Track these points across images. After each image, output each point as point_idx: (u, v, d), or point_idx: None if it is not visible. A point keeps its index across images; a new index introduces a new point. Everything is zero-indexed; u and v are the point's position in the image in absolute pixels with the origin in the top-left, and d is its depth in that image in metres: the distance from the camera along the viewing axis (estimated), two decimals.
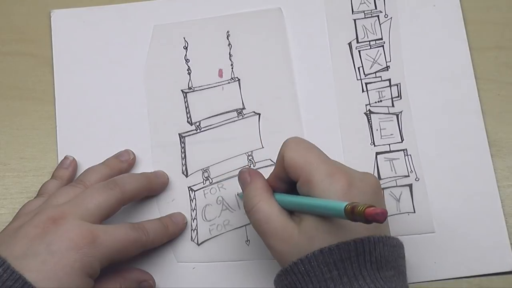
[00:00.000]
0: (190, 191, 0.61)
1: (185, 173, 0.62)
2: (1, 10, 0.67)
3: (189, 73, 0.64)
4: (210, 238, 0.60)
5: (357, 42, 0.64)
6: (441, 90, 0.62)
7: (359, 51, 0.64)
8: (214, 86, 0.64)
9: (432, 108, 0.62)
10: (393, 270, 0.49)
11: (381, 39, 0.64)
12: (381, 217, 0.43)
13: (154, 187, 0.60)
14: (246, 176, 0.54)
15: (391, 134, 0.62)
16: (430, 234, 0.59)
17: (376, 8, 0.65)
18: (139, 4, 0.66)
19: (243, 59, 0.64)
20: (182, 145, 0.62)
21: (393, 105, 0.63)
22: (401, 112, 0.62)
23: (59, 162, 0.62)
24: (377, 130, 0.62)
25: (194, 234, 0.60)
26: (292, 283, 0.48)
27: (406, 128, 0.62)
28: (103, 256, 0.51)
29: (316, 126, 0.62)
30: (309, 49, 0.64)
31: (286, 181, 0.52)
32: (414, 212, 0.60)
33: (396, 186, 0.61)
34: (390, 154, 0.61)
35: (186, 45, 0.65)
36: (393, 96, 0.63)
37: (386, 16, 0.65)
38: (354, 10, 0.65)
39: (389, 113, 0.63)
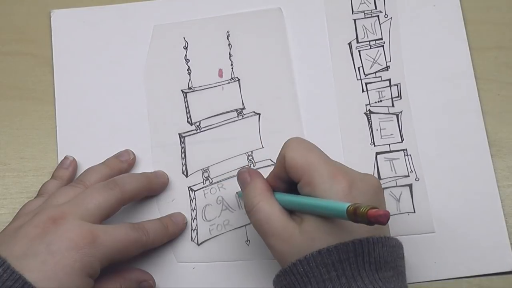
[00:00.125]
0: (190, 191, 0.61)
1: (185, 173, 0.62)
2: (1, 10, 0.67)
3: (189, 73, 0.64)
4: (210, 238, 0.60)
5: (357, 42, 0.64)
6: (441, 90, 0.62)
7: (359, 51, 0.64)
8: (214, 86, 0.64)
9: (432, 108, 0.62)
10: (392, 270, 0.49)
11: (381, 39, 0.64)
12: (383, 219, 0.43)
13: (154, 187, 0.60)
14: (245, 176, 0.54)
15: (391, 134, 0.62)
16: (430, 234, 0.59)
17: (376, 8, 0.65)
18: (139, 4, 0.66)
19: (243, 59, 0.64)
20: (182, 145, 0.62)
21: (393, 105, 0.63)
22: (401, 112, 0.62)
23: (59, 162, 0.62)
24: (377, 130, 0.62)
25: (194, 234, 0.60)
26: (291, 283, 0.48)
27: (406, 128, 0.62)
28: (103, 256, 0.51)
29: (316, 126, 0.62)
30: (309, 49, 0.64)
31: (286, 181, 0.52)
32: (414, 212, 0.60)
33: (396, 186, 0.61)
34: (390, 154, 0.61)
35: (186, 45, 0.65)
36: (393, 96, 0.63)
37: (386, 16, 0.65)
38: (354, 10, 0.65)
39: (389, 113, 0.63)
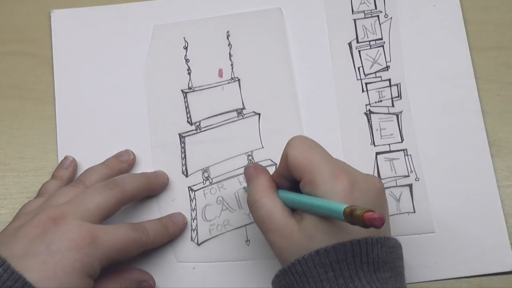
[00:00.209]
0: (190, 191, 0.61)
1: (185, 173, 0.62)
2: (1, 10, 0.67)
3: (189, 73, 0.64)
4: (210, 238, 0.60)
5: (357, 42, 0.64)
6: (441, 90, 0.62)
7: (359, 51, 0.64)
8: (214, 86, 0.64)
9: (432, 108, 0.62)
10: (391, 271, 0.49)
11: (381, 39, 0.64)
12: (378, 222, 0.43)
13: (154, 187, 0.60)
14: (251, 171, 0.54)
15: (391, 134, 0.62)
16: (430, 234, 0.59)
17: (376, 8, 0.65)
18: (139, 4, 0.66)
19: (243, 59, 0.64)
20: (182, 145, 0.62)
21: (393, 105, 0.63)
22: (401, 112, 0.62)
23: (59, 162, 0.62)
24: (377, 130, 0.62)
25: (194, 234, 0.60)
26: (289, 283, 0.48)
27: (406, 128, 0.62)
28: (103, 256, 0.51)
29: (316, 126, 0.62)
30: (309, 49, 0.64)
31: (290, 179, 0.52)
32: (414, 212, 0.60)
33: (396, 186, 0.61)
34: (390, 154, 0.61)
35: (186, 45, 0.65)
36: (393, 96, 0.63)
37: (386, 16, 0.65)
38: (354, 10, 0.65)
39: (389, 113, 0.63)
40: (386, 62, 0.64)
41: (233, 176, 0.61)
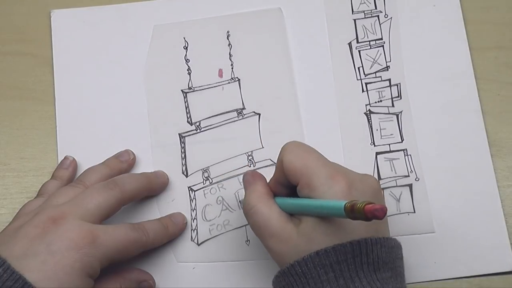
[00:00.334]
0: (190, 191, 0.61)
1: (185, 173, 0.62)
2: (1, 10, 0.67)
3: (189, 73, 0.64)
4: (210, 238, 0.60)
5: (357, 42, 0.64)
6: (441, 90, 0.62)
7: (359, 51, 0.64)
8: (214, 86, 0.64)
9: (432, 108, 0.62)
10: (391, 271, 0.49)
11: (381, 39, 0.64)
12: (380, 213, 0.43)
13: (154, 187, 0.60)
14: (248, 178, 0.54)
15: (391, 134, 0.62)
16: (430, 234, 0.59)
17: (376, 8, 0.65)
18: (139, 4, 0.66)
19: (243, 59, 0.64)
20: (182, 145, 0.62)
21: (393, 105, 0.63)
22: (401, 112, 0.62)
23: (59, 162, 0.62)
24: (377, 130, 0.62)
25: (194, 234, 0.60)
26: (289, 284, 0.48)
27: (406, 128, 0.62)
28: (103, 256, 0.51)
29: (316, 126, 0.62)
30: (309, 49, 0.64)
31: (287, 186, 0.52)
32: (414, 212, 0.60)
33: (396, 186, 0.61)
34: (390, 154, 0.61)
35: (186, 45, 0.65)
36: (393, 96, 0.63)
37: (386, 16, 0.65)
38: (354, 10, 0.65)
39: (389, 113, 0.63)
40: (386, 62, 0.64)
41: (233, 176, 0.61)
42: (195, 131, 0.63)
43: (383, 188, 0.60)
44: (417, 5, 0.65)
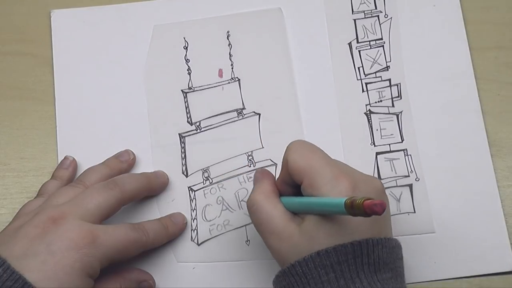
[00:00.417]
0: (190, 191, 0.61)
1: (185, 173, 0.62)
2: (1, 10, 0.67)
3: (189, 73, 0.64)
4: (210, 238, 0.60)
5: (357, 42, 0.64)
6: (441, 90, 0.62)
7: (359, 51, 0.64)
8: (214, 86, 0.64)
9: (432, 108, 0.62)
10: (391, 272, 0.48)
11: (381, 39, 0.64)
12: (379, 208, 0.43)
13: (154, 187, 0.60)
14: (258, 175, 0.54)
15: (391, 134, 0.62)
16: (430, 234, 0.59)
17: (376, 8, 0.65)
18: (139, 4, 0.66)
19: (243, 59, 0.64)
20: (182, 145, 0.62)
21: (393, 105, 0.63)
22: (401, 112, 0.62)
23: (59, 162, 0.62)
24: (377, 130, 0.62)
25: (194, 234, 0.60)
26: (290, 284, 0.48)
27: (406, 128, 0.62)
28: (103, 256, 0.51)
29: (316, 126, 0.62)
30: (309, 49, 0.64)
31: (293, 185, 0.52)
32: (414, 212, 0.60)
33: (396, 186, 0.61)
34: (390, 154, 0.61)
35: (186, 45, 0.65)
36: (393, 96, 0.63)
37: (386, 16, 0.65)
38: (354, 10, 0.65)
39: (389, 113, 0.63)
40: (386, 62, 0.64)
41: (233, 176, 0.61)
42: (195, 131, 0.63)
43: None
44: (417, 5, 0.65)
